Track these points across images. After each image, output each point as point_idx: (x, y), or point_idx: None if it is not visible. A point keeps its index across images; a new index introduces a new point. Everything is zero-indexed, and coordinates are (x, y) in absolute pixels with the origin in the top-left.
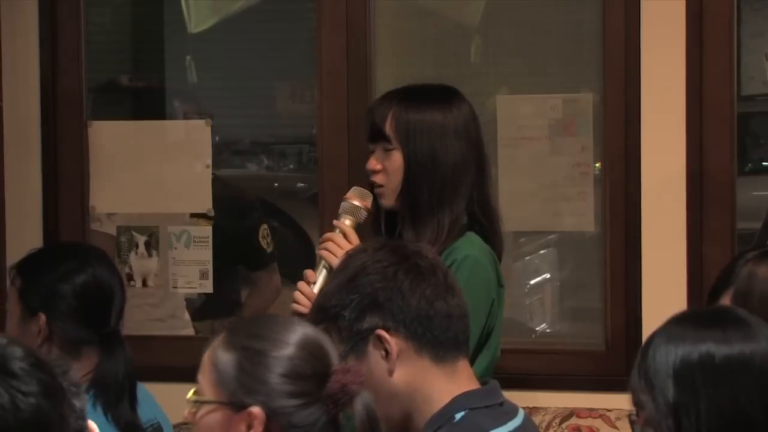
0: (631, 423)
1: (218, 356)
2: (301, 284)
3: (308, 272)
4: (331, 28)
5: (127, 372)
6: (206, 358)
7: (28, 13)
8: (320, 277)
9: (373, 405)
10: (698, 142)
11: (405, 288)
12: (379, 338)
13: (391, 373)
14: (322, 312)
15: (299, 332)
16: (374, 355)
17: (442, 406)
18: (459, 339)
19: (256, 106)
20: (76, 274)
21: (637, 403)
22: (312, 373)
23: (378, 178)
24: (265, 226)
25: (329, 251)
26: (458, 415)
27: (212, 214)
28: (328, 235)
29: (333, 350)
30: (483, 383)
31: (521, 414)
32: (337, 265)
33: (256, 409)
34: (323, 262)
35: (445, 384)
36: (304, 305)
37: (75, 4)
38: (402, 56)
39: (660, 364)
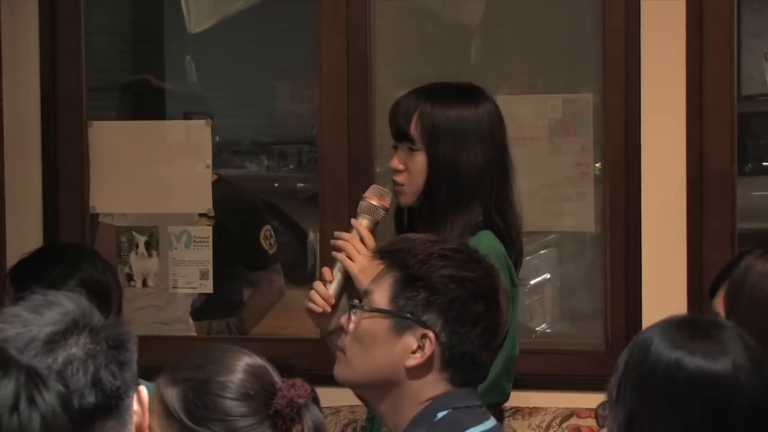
0: (597, 416)
1: (164, 394)
2: (317, 284)
3: (326, 270)
4: (331, 28)
5: None
6: (153, 399)
7: (28, 13)
8: (336, 278)
9: (320, 416)
10: (698, 142)
11: (477, 324)
12: (425, 336)
13: (406, 366)
14: (401, 259)
15: (240, 358)
16: (408, 339)
17: (424, 406)
18: (480, 381)
19: (256, 106)
20: (67, 278)
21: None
22: (258, 391)
23: (400, 178)
24: (268, 227)
25: (346, 254)
26: (440, 414)
27: (212, 214)
28: (344, 235)
29: (274, 371)
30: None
31: (492, 419)
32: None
33: None
34: (339, 264)
35: (440, 391)
36: (319, 305)
37: (75, 4)
38: (402, 56)
39: (629, 368)
